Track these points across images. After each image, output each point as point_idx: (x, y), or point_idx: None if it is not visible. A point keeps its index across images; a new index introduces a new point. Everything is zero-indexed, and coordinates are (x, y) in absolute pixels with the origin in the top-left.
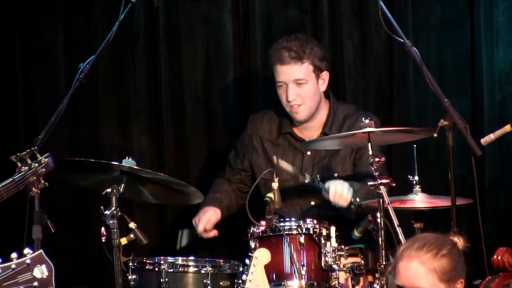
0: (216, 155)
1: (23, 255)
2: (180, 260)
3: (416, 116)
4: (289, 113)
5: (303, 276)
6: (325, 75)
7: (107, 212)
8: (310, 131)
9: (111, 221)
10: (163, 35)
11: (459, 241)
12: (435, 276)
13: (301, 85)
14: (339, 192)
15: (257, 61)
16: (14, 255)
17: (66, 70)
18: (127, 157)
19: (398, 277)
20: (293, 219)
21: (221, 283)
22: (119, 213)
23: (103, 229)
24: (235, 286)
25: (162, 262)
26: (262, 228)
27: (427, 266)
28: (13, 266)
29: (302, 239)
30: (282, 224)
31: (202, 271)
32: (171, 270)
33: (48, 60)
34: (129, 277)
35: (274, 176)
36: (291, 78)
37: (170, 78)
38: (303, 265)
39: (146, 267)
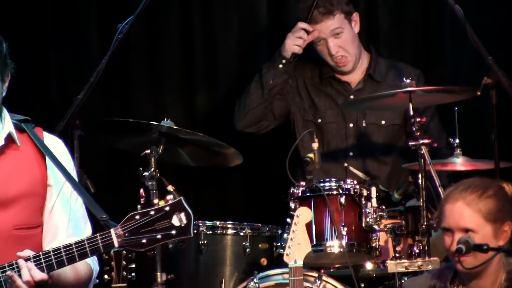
0: None
1: (165, 201)
2: (218, 223)
3: (452, 84)
4: (334, 68)
5: (344, 237)
6: (356, 16)
7: (146, 173)
8: (353, 74)
9: (149, 183)
10: (195, 6)
11: (508, 187)
12: (480, 216)
13: (339, 35)
14: None
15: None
16: (155, 201)
17: (99, 41)
18: (165, 119)
19: (444, 219)
20: (333, 179)
21: (259, 245)
22: (158, 175)
23: (142, 190)
24: (274, 249)
25: (200, 225)
26: (302, 188)
27: (472, 206)
28: (152, 212)
29: (342, 200)
30: (322, 184)
31: (241, 234)
32: (210, 233)
33: (81, 32)
34: None
35: (314, 136)
36: (327, 32)
37: (203, 48)
38: (343, 226)
39: None
